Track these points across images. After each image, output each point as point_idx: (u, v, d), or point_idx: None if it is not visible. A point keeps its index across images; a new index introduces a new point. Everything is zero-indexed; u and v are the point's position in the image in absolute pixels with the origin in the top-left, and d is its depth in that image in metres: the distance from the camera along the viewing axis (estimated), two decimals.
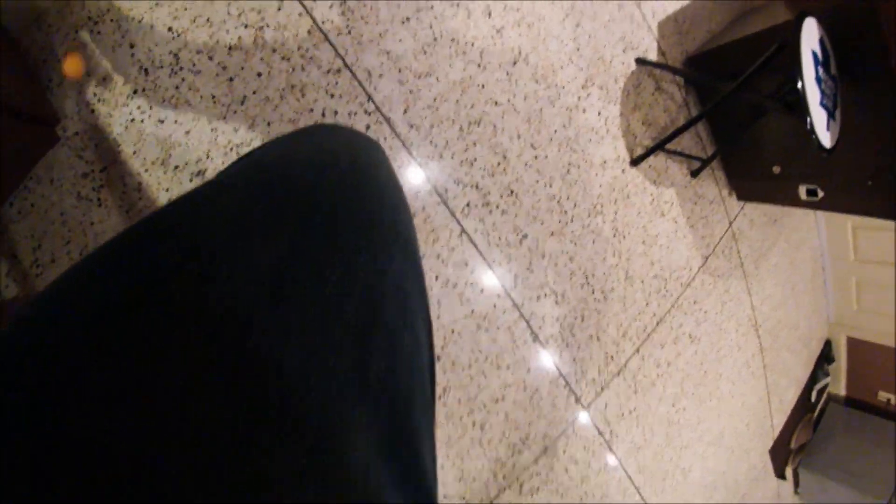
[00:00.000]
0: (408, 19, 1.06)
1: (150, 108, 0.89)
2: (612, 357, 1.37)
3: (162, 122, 0.90)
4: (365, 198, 0.25)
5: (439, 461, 1.16)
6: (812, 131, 1.15)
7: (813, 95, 1.14)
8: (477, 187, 1.08)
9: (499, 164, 1.12)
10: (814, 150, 1.18)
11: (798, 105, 1.12)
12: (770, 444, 2.53)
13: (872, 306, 2.56)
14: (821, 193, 1.52)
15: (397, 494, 0.19)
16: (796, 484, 2.90)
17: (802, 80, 1.11)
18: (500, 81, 1.18)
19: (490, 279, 1.11)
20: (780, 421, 2.55)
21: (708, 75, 1.42)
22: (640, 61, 1.43)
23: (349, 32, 1.01)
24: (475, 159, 1.10)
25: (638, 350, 1.43)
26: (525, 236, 1.14)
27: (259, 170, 0.24)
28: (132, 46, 0.87)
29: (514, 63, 1.21)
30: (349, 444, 0.18)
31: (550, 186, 1.18)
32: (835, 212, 1.61)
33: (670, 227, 1.45)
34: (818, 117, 1.16)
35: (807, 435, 2.85)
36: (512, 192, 1.12)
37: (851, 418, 2.91)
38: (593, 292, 1.27)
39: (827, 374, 2.86)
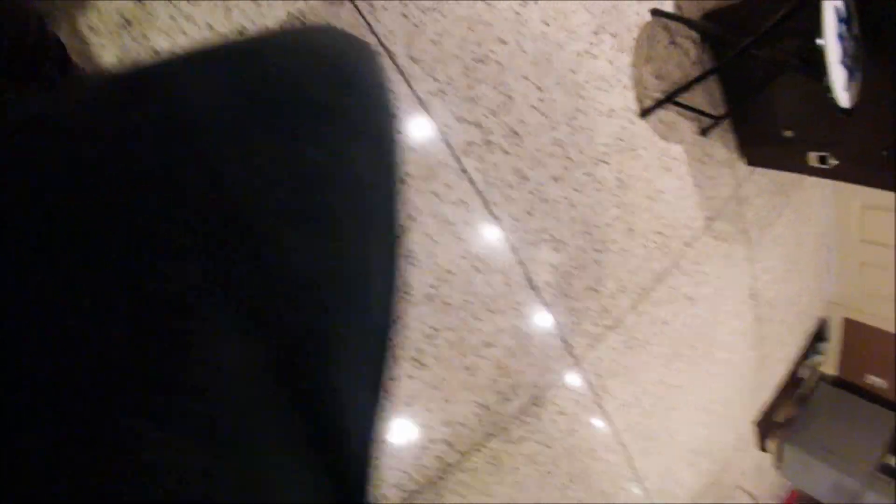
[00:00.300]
0: None
1: (146, 38, 0.86)
2: (608, 311, 1.37)
3: (157, 53, 0.88)
4: (327, 83, 0.22)
5: (424, 403, 1.17)
6: (829, 89, 1.11)
7: (833, 52, 1.10)
8: (479, 126, 1.06)
9: (503, 103, 1.09)
10: (832, 110, 1.14)
11: (817, 62, 1.08)
12: (756, 416, 2.57)
13: (874, 289, 2.54)
14: (833, 161, 1.48)
15: (295, 453, 0.16)
16: (779, 459, 2.96)
17: (823, 34, 1.06)
18: (508, 21, 1.14)
19: (488, 220, 1.10)
20: (768, 394, 2.58)
21: (725, 30, 1.37)
22: (656, 12, 1.37)
23: None
24: (479, 97, 1.07)
25: (635, 306, 1.43)
26: (527, 179, 1.12)
27: (208, 54, 0.21)
28: None
29: (524, 3, 1.16)
30: (213, 354, 0.14)
31: (555, 130, 1.15)
32: (846, 182, 1.57)
33: (676, 183, 1.43)
34: (837, 75, 1.11)
35: (793, 410, 2.89)
36: (515, 133, 1.10)
37: (839, 399, 2.94)
38: (593, 242, 1.26)
39: (819, 353, 2.87)
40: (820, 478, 2.72)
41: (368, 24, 1.03)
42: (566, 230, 1.20)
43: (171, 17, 0.86)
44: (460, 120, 1.05)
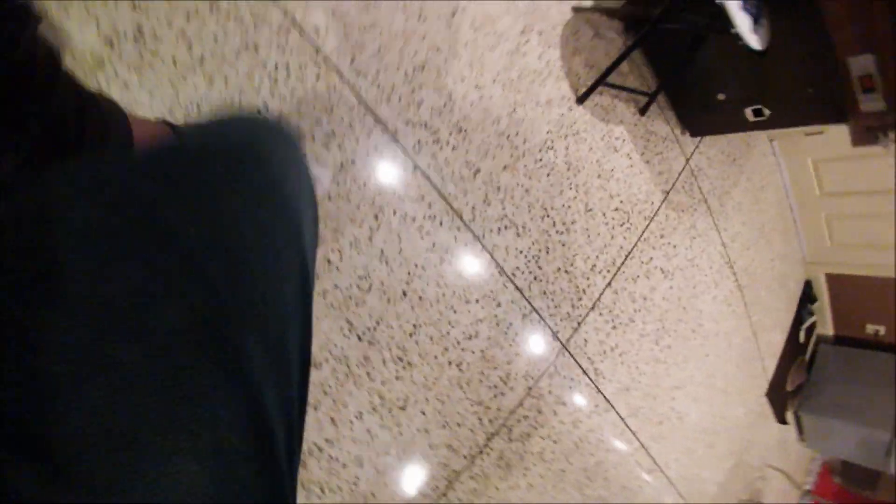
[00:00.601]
0: None
1: (116, 75, 0.93)
2: (584, 291, 1.40)
3: (127, 86, 0.94)
4: (232, 162, 0.31)
5: (418, 405, 1.16)
6: (738, 36, 1.19)
7: (734, 2, 1.18)
8: (426, 126, 1.13)
9: (445, 104, 1.16)
10: (747, 52, 1.22)
11: (723, 16, 1.17)
12: (765, 387, 2.54)
13: (846, 239, 2.60)
14: (767, 112, 1.57)
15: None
16: (800, 431, 2.90)
17: None
18: (441, 31, 1.23)
19: (448, 212, 1.14)
20: (771, 363, 2.56)
21: (640, 11, 1.49)
22: (577, 9, 1.50)
23: None
24: (422, 101, 1.14)
25: (610, 284, 1.46)
26: (478, 170, 1.18)
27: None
28: (98, 21, 0.91)
29: (453, 14, 1.26)
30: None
31: (499, 124, 1.22)
32: (784, 128, 1.65)
33: (625, 161, 1.50)
34: (742, 21, 1.19)
35: (801, 377, 2.87)
36: (461, 129, 1.17)
37: (843, 356, 2.93)
38: (554, 224, 1.31)
39: (811, 314, 2.89)
40: (845, 438, 2.66)
41: (315, 46, 1.11)
42: (525, 215, 1.25)
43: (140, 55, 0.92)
44: (408, 122, 1.12)
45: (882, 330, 2.80)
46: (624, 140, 1.51)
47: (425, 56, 1.19)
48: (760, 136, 2.25)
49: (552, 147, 1.32)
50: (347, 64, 1.11)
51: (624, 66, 1.57)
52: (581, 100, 1.39)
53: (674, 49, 1.53)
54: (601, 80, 1.35)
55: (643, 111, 1.56)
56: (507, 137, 1.23)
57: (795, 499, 2.94)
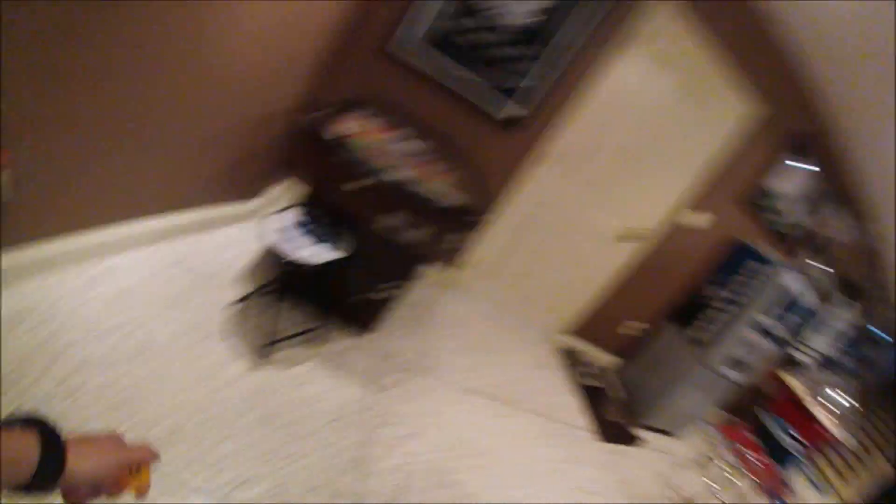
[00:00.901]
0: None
1: None
2: (339, 492, 1.57)
3: None
4: None
5: None
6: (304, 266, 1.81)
7: (308, 244, 1.77)
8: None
9: (171, 432, 1.41)
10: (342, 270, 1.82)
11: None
12: (595, 436, 2.86)
13: (550, 304, 3.46)
14: (397, 280, 2.22)
15: None
16: (664, 433, 3.33)
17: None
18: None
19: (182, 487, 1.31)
20: (584, 420, 2.97)
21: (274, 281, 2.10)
22: (232, 303, 2.01)
23: None
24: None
25: (366, 478, 1.67)
26: (197, 448, 1.38)
27: None
28: None
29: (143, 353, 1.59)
30: None
31: (203, 413, 1.51)
32: (414, 280, 2.31)
33: (324, 385, 1.88)
34: (322, 251, 1.78)
35: (619, 403, 3.36)
36: (175, 433, 1.41)
37: (634, 362, 3.61)
38: (281, 456, 1.54)
39: (586, 364, 3.56)
40: (692, 397, 3.24)
41: None
42: (250, 463, 1.46)
43: None
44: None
45: (636, 324, 3.64)
46: (313, 369, 1.94)
47: (129, 394, 1.43)
48: (431, 290, 3.04)
49: (251, 409, 1.64)
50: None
51: (297, 315, 2.11)
52: (262, 359, 1.82)
53: (314, 286, 2.14)
54: (270, 344, 1.83)
55: (320, 341, 2.08)
56: (215, 417, 1.52)
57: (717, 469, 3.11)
